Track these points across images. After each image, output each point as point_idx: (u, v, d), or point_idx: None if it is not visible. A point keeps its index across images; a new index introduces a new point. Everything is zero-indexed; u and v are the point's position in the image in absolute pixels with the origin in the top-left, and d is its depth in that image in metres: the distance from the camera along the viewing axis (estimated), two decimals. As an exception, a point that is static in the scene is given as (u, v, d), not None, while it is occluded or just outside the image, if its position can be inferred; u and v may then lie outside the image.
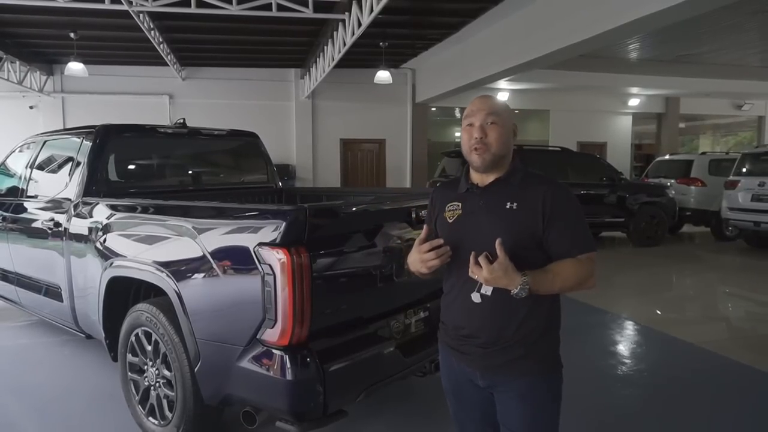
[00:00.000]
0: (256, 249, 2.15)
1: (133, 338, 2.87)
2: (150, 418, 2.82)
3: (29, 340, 4.56)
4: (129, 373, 2.94)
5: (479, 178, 1.66)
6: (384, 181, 13.17)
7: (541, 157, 9.70)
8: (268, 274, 2.11)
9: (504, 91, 13.83)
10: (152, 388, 2.80)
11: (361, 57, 10.07)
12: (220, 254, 2.32)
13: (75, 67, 9.19)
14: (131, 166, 3.87)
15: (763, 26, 9.73)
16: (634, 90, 14.40)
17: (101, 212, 3.15)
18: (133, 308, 2.87)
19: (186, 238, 2.47)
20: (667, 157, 11.85)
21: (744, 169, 9.03)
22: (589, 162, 10.23)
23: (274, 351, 2.17)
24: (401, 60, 11.78)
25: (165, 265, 2.55)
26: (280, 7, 6.27)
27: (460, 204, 1.67)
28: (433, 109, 14.06)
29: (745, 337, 4.92)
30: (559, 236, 1.55)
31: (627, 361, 4.11)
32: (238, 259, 2.26)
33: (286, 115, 12.23)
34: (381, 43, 9.37)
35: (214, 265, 2.33)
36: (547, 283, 1.51)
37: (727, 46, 11.13)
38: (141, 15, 6.76)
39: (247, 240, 2.21)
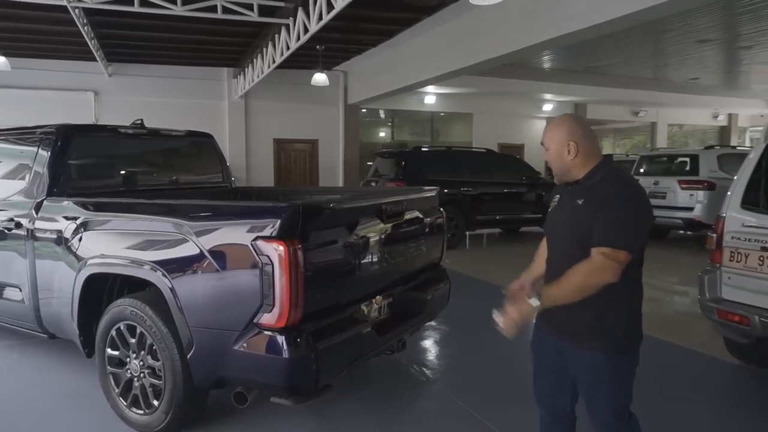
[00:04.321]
0: (253, 242, 2.39)
1: (114, 332, 2.97)
2: (133, 409, 2.94)
3: (-33, 347, 4.36)
4: (108, 367, 3.03)
5: (570, 181, 1.97)
6: (317, 180, 13.37)
7: (467, 158, 10.37)
8: (266, 264, 2.36)
9: (431, 95, 14.51)
10: (135, 379, 2.92)
11: (297, 59, 10.18)
12: (216, 248, 2.52)
13: (-3, 60, 8.61)
14: (93, 166, 3.88)
15: (656, 44, 11.07)
16: (548, 96, 15.65)
17: (75, 211, 3.20)
18: (113, 303, 2.97)
19: (177, 234, 2.64)
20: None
21: (642, 170, 10.20)
22: (511, 162, 11.05)
23: (271, 333, 2.41)
24: (334, 62, 12.05)
25: (156, 260, 2.69)
26: (225, 10, 6.34)
27: (559, 196, 2.04)
28: (364, 110, 14.45)
29: (647, 316, 5.72)
30: (595, 226, 1.78)
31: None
32: (235, 252, 2.48)
33: (219, 115, 12.10)
34: (318, 47, 9.59)
35: (210, 259, 2.52)
36: (554, 290, 1.80)
37: (627, 60, 12.50)
38: (77, 10, 6.54)
39: (244, 234, 2.44)
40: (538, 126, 17.03)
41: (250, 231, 2.43)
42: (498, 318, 1.83)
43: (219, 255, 2.52)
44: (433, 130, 16.00)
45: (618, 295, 1.84)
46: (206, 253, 2.54)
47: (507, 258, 8.92)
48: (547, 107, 16.60)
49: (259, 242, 2.38)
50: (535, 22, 6.57)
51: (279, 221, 2.37)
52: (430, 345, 4.43)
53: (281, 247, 2.34)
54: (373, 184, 9.99)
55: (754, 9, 8.33)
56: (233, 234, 2.51)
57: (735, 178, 3.44)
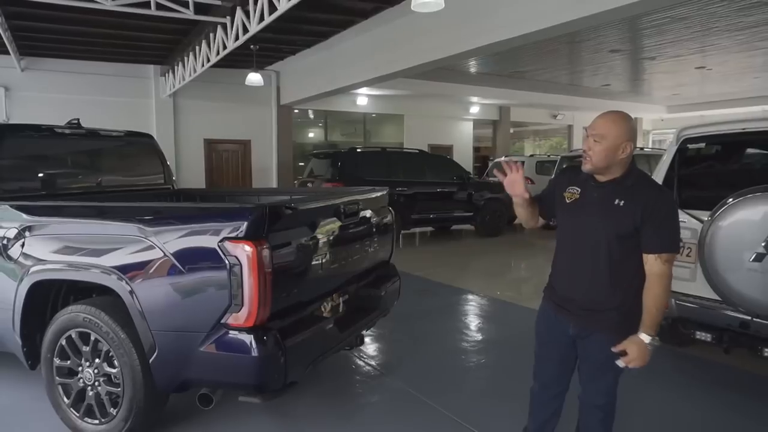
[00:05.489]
0: (221, 244, 2.42)
1: (63, 341, 2.86)
2: (87, 419, 2.85)
3: None
4: (57, 378, 2.91)
5: (599, 176, 2.04)
6: (250, 182, 13.12)
7: (401, 158, 10.64)
8: (234, 264, 2.39)
9: (363, 96, 14.67)
10: (89, 388, 2.84)
11: (229, 58, 9.95)
12: (181, 251, 2.51)
13: None
14: (28, 168, 3.67)
15: (572, 53, 11.89)
16: (475, 99, 16.29)
17: (15, 215, 3.03)
18: (63, 311, 2.86)
19: (139, 237, 2.60)
20: (503, 158, 13.72)
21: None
22: (443, 163, 11.44)
23: (239, 332, 2.45)
24: (267, 62, 11.89)
25: (115, 264, 2.63)
26: (159, 6, 6.12)
27: (579, 190, 2.09)
28: (296, 111, 14.36)
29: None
30: (650, 234, 1.93)
31: (479, 323, 5.01)
32: (201, 254, 2.48)
33: (146, 114, 11.55)
34: (252, 46, 9.43)
35: (174, 261, 2.51)
36: (654, 316, 1.93)
37: (547, 67, 13.31)
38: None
39: (210, 236, 2.45)
40: (465, 127, 17.70)
41: (216, 233, 2.45)
42: (621, 363, 1.98)
43: (183, 257, 2.52)
44: (365, 131, 16.19)
45: (640, 280, 2.00)
46: (170, 256, 2.52)
47: (440, 255, 9.26)
48: (474, 109, 17.29)
49: (227, 243, 2.41)
50: (469, 30, 6.88)
51: (246, 222, 2.42)
52: (378, 339, 4.58)
53: (249, 248, 2.38)
54: (309, 185, 10.00)
55: (657, 25, 9.21)
56: (199, 236, 2.51)
57: (651, 177, 3.86)
